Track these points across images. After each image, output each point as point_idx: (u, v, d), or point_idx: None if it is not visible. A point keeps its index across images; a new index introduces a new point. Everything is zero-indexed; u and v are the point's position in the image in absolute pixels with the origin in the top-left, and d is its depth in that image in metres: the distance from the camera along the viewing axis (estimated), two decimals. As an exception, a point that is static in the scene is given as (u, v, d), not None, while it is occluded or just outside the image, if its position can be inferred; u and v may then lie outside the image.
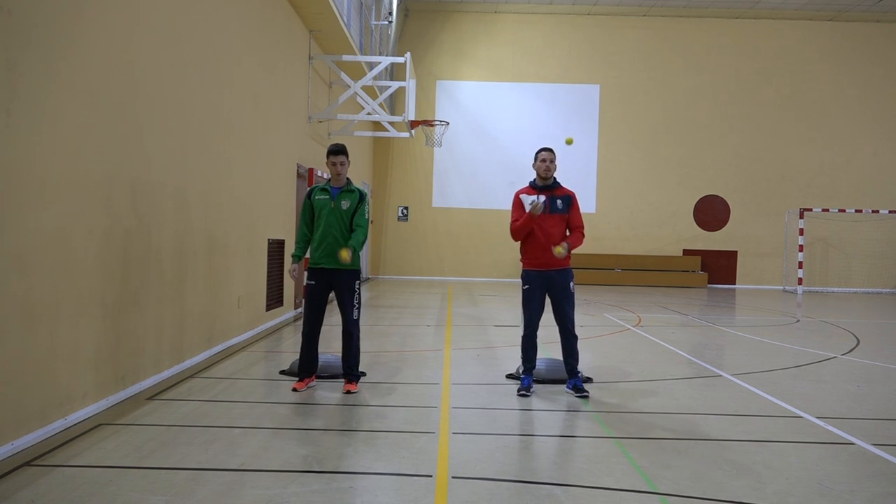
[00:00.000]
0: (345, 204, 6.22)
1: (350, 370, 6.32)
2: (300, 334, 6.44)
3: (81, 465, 4.18)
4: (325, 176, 13.12)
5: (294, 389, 6.22)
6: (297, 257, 6.37)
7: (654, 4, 21.87)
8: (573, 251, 6.42)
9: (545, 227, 6.33)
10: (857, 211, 21.59)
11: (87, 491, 3.78)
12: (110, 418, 5.14)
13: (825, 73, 22.64)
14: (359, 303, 6.37)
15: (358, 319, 6.37)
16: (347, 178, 6.39)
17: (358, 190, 6.34)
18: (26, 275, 4.39)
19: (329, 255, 6.20)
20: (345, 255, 6.02)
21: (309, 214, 6.33)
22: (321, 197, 6.28)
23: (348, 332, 6.31)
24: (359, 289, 6.38)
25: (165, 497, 3.71)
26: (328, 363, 6.78)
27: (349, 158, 6.41)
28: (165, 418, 5.23)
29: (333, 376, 6.70)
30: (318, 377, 6.61)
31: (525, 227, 6.34)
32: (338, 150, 6.30)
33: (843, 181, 22.69)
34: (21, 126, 4.30)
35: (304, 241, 6.36)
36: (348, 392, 6.19)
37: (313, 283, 6.32)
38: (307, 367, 6.36)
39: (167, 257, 6.49)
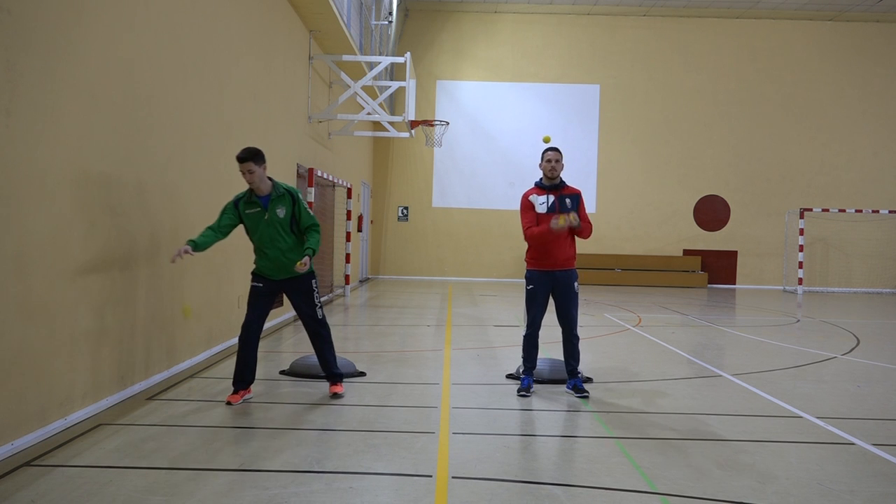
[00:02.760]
0: (280, 212, 5.69)
1: (330, 371, 6.04)
2: (237, 339, 5.92)
3: (81, 465, 4.18)
4: (327, 175, 13.11)
5: (228, 403, 5.65)
6: (193, 242, 5.52)
7: (654, 4, 21.87)
8: (579, 246, 6.37)
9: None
10: (857, 211, 21.59)
11: (87, 491, 3.78)
12: (110, 418, 5.14)
13: (825, 73, 22.63)
14: (320, 301, 5.99)
15: (324, 318, 6.01)
16: (271, 180, 5.76)
17: (287, 191, 5.76)
18: (26, 274, 4.39)
19: (278, 270, 5.77)
20: (300, 266, 5.60)
21: (228, 220, 5.70)
22: (252, 211, 5.68)
23: (316, 332, 5.94)
24: (316, 287, 5.96)
25: (165, 497, 3.71)
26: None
27: (264, 162, 5.69)
28: (165, 418, 5.23)
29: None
30: (319, 377, 6.57)
31: (544, 239, 6.23)
32: (241, 158, 5.56)
33: (843, 181, 22.68)
34: (21, 126, 4.30)
35: (211, 237, 5.64)
36: (335, 395, 5.96)
37: (260, 285, 5.86)
38: (242, 377, 5.76)
39: (167, 257, 6.48)
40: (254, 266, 5.98)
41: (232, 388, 5.81)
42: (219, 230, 5.72)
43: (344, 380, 6.58)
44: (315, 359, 6.65)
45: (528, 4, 22.13)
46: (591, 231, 6.40)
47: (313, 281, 5.94)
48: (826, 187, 22.64)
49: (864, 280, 22.41)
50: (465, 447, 4.69)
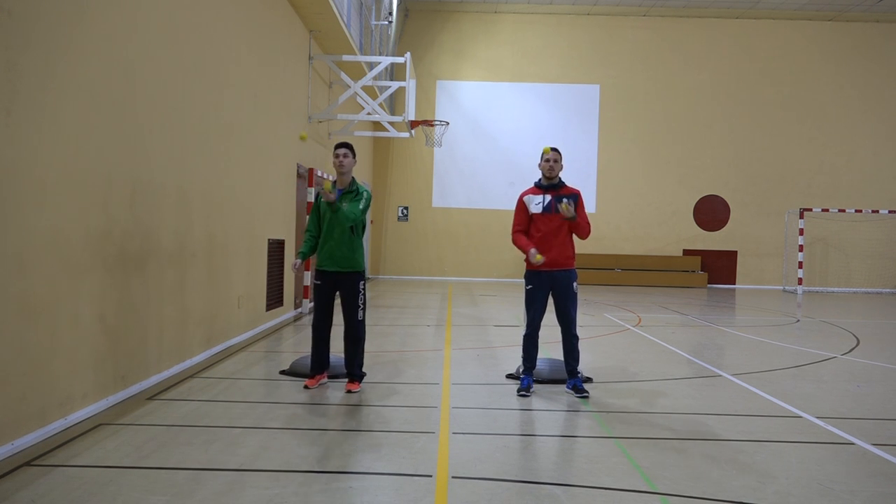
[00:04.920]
0: (346, 207, 6.19)
1: (352, 370, 6.33)
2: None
3: (81, 465, 4.18)
4: (327, 175, 13.12)
5: (305, 387, 6.32)
6: (303, 254, 6.40)
7: (654, 4, 21.87)
8: (579, 246, 6.39)
9: (550, 227, 6.31)
10: (857, 211, 21.59)
11: (87, 491, 3.78)
12: (110, 418, 5.14)
13: (825, 73, 22.64)
14: (364, 303, 6.38)
15: (363, 320, 6.40)
16: (353, 179, 6.37)
17: (358, 189, 6.32)
18: (26, 274, 4.39)
19: (330, 259, 6.25)
20: (327, 185, 6.01)
21: (316, 215, 6.40)
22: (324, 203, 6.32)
23: (355, 334, 6.32)
24: (363, 289, 6.39)
25: (165, 497, 3.71)
26: (330, 363, 6.76)
27: (355, 157, 6.43)
28: (165, 418, 5.23)
29: (335, 376, 6.69)
30: (319, 377, 6.64)
31: (522, 248, 6.38)
32: (342, 142, 6.37)
33: (843, 181, 22.69)
34: (21, 126, 4.30)
35: (310, 240, 6.40)
36: (350, 391, 6.22)
37: (319, 282, 6.37)
38: (318, 364, 6.43)
39: (167, 257, 6.49)
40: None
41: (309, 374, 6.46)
42: (314, 231, 6.39)
43: (343, 380, 6.61)
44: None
45: (528, 4, 22.14)
46: (589, 231, 6.41)
47: (362, 283, 6.36)
48: (826, 187, 22.65)
49: (863, 280, 22.42)
50: (465, 447, 4.69)
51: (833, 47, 22.62)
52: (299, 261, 6.37)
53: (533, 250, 6.23)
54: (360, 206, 6.16)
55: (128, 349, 5.78)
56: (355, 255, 6.28)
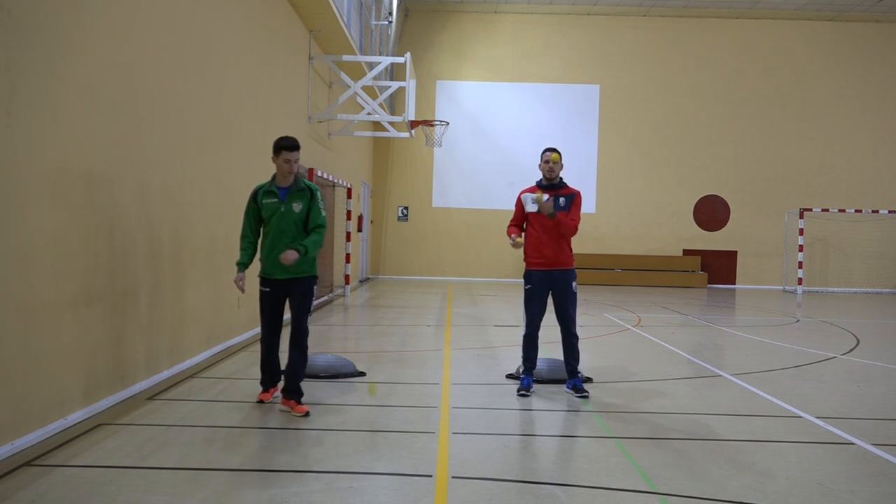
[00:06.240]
0: (297, 206, 5.52)
1: (292, 385, 5.50)
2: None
3: (81, 465, 4.18)
4: (327, 175, 13.11)
5: (260, 401, 5.75)
6: (242, 265, 5.66)
7: (654, 4, 21.86)
8: (578, 246, 6.42)
9: (548, 226, 6.31)
10: (857, 211, 21.58)
11: (87, 491, 3.78)
12: (110, 418, 5.14)
13: (825, 73, 22.63)
14: (311, 309, 5.73)
15: (307, 329, 5.66)
16: (296, 175, 5.65)
17: (308, 187, 5.62)
18: (26, 274, 4.39)
19: (284, 268, 5.53)
20: (289, 256, 5.30)
21: (254, 217, 5.64)
22: (269, 201, 5.54)
23: (299, 342, 5.57)
24: (314, 294, 5.74)
25: (165, 497, 3.71)
26: (329, 363, 6.77)
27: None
28: (165, 418, 5.23)
29: (334, 376, 6.69)
30: (319, 377, 6.58)
31: (512, 231, 6.50)
32: (294, 146, 5.52)
33: (843, 181, 22.68)
34: (21, 126, 4.30)
35: (249, 247, 5.68)
36: (287, 411, 5.45)
37: (267, 289, 5.66)
38: (271, 377, 5.84)
39: (167, 257, 6.49)
40: (260, 268, 5.74)
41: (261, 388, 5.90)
42: (253, 236, 5.71)
43: (343, 380, 6.58)
44: (316, 358, 6.67)
45: (528, 4, 22.13)
46: (574, 231, 6.34)
47: (315, 287, 5.74)
48: (826, 187, 22.64)
49: (863, 280, 22.41)
50: (465, 447, 4.69)
51: (833, 47, 22.61)
52: (242, 274, 5.66)
53: (514, 236, 6.41)
54: (319, 229, 5.57)
55: (128, 349, 5.78)
56: (310, 258, 5.60)
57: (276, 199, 5.54)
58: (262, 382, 5.88)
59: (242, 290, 5.70)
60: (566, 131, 22.15)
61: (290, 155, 5.50)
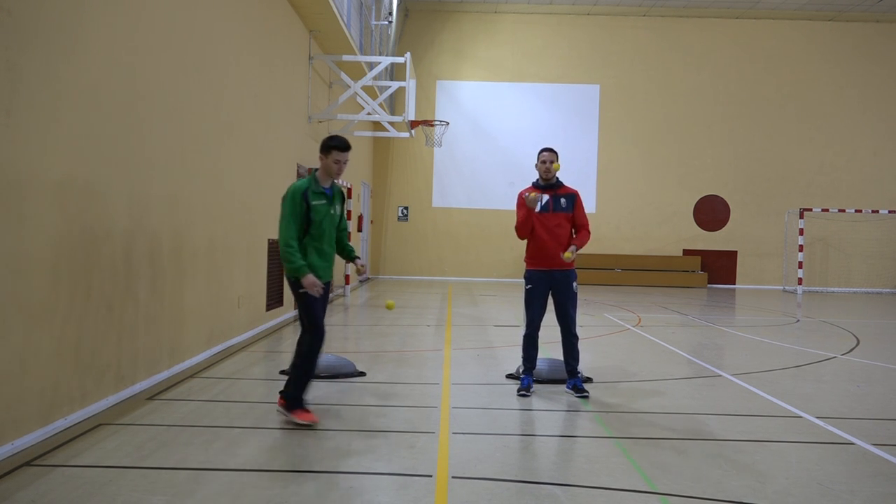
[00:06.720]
0: (338, 209, 5.40)
1: (287, 387, 5.33)
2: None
3: (81, 465, 4.18)
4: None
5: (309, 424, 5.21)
6: (306, 267, 5.17)
7: (654, 4, 21.87)
8: (568, 242, 6.39)
9: (549, 226, 6.31)
10: (857, 211, 21.59)
11: (87, 491, 3.78)
12: (110, 418, 5.14)
13: (825, 73, 22.64)
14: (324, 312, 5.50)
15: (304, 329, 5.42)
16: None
17: (339, 187, 5.49)
18: (27, 274, 4.39)
19: (329, 270, 5.38)
20: (361, 269, 5.47)
21: (303, 218, 5.17)
22: (320, 202, 5.22)
23: (302, 337, 5.39)
24: (329, 298, 5.58)
25: (165, 497, 3.71)
26: (329, 363, 6.77)
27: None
28: (165, 418, 5.23)
29: (333, 376, 6.69)
30: (319, 377, 6.55)
31: (526, 222, 6.33)
32: (346, 146, 5.29)
33: (843, 181, 22.69)
34: (21, 126, 4.30)
35: (301, 249, 5.23)
36: (282, 413, 5.25)
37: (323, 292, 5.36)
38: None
39: (167, 257, 6.49)
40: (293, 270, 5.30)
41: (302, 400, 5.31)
42: (301, 232, 5.21)
43: (343, 380, 6.58)
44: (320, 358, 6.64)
45: (528, 4, 22.14)
46: (588, 235, 6.41)
47: (331, 294, 5.64)
48: (826, 187, 22.65)
49: (863, 280, 22.42)
50: (465, 447, 4.69)
51: (833, 47, 22.62)
52: (316, 280, 5.16)
53: (527, 194, 6.24)
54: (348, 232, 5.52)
55: (128, 349, 5.77)
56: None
57: (325, 201, 5.25)
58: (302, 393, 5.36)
59: (321, 292, 5.20)
60: (566, 131, 22.15)
61: (341, 156, 5.27)
